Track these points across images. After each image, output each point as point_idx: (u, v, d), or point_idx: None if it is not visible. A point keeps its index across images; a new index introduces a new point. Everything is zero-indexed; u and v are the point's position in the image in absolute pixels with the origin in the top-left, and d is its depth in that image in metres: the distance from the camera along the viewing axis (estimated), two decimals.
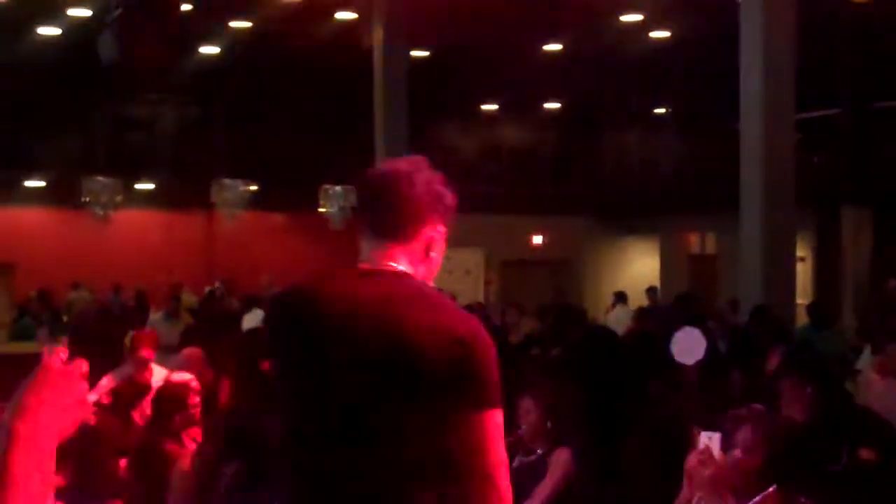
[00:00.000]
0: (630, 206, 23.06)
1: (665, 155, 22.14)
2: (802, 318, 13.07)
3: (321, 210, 20.57)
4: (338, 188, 20.10)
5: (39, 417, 1.64)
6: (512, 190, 23.61)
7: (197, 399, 5.86)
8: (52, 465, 1.67)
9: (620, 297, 17.45)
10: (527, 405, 5.41)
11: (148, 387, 6.94)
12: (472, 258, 24.66)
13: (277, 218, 23.60)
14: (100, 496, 5.03)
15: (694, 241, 24.22)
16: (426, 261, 3.06)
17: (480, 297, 21.98)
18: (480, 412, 2.74)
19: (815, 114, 18.41)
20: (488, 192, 23.28)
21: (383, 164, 3.15)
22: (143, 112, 22.54)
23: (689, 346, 6.89)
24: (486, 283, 24.87)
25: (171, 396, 5.85)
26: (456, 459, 2.75)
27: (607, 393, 5.67)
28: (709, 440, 3.93)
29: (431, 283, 3.07)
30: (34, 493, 1.59)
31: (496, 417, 2.76)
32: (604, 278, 24.94)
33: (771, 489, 4.03)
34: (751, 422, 4.11)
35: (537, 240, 25.28)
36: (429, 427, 2.75)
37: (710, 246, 23.50)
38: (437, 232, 3.08)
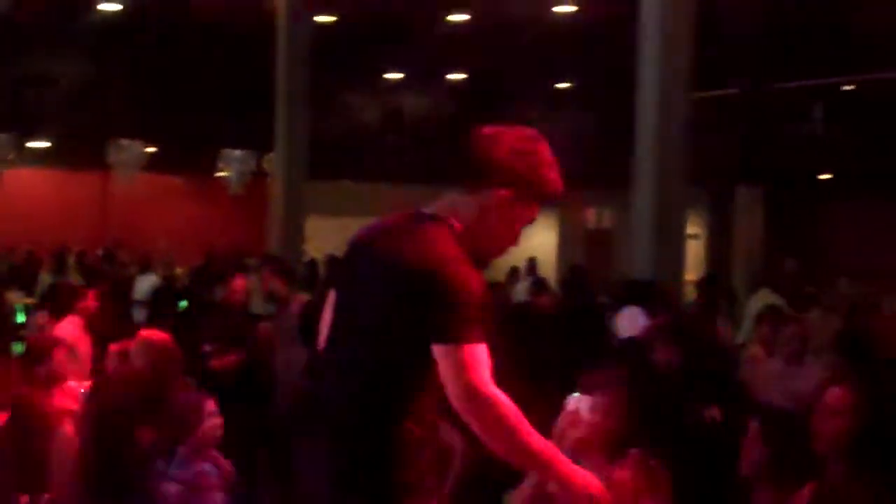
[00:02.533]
0: None
1: (565, 129, 22.31)
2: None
3: (220, 174, 20.36)
4: (237, 152, 19.92)
5: None
6: (412, 159, 23.59)
7: (62, 355, 5.79)
8: None
9: (529, 269, 17.72)
10: None
11: None
12: None
13: (175, 181, 23.28)
14: None
15: (591, 216, 24.51)
16: (486, 221, 3.18)
17: None
18: (441, 344, 2.96)
19: (711, 93, 18.71)
20: (389, 161, 23.25)
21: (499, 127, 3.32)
22: (39, 68, 22.01)
23: (630, 322, 7.20)
24: None
25: (31, 349, 5.86)
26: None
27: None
28: (578, 402, 3.98)
29: (496, 245, 3.26)
30: None
31: (449, 351, 2.97)
32: None
33: (633, 451, 4.11)
34: (607, 385, 4.16)
35: None
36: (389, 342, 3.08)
37: (607, 221, 23.82)
38: (501, 197, 3.16)
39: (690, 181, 9.98)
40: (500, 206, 3.18)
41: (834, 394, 3.76)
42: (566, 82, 24.26)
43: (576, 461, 3.90)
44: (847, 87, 20.52)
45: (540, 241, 24.39)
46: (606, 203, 22.85)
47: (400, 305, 3.03)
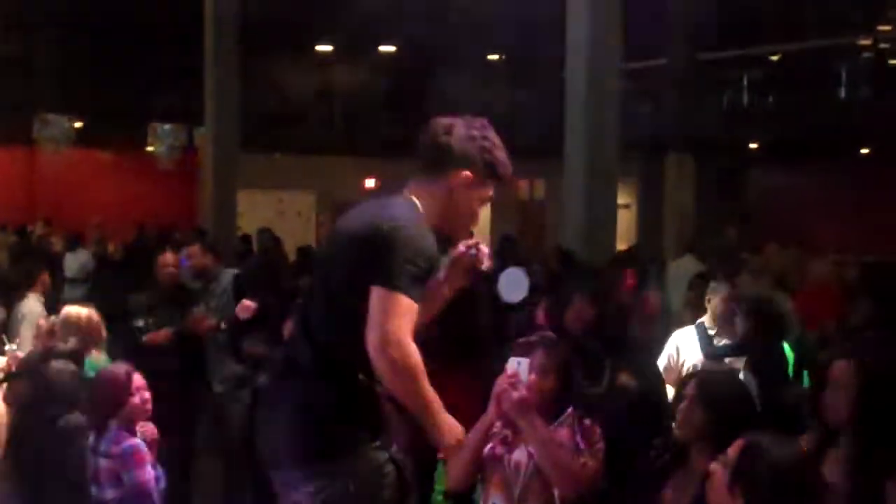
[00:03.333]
0: None
1: (497, 100, 22.35)
2: None
3: (150, 148, 20.15)
4: (166, 126, 19.72)
5: None
6: (344, 132, 23.51)
7: None
8: None
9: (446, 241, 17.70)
10: None
11: None
12: (304, 200, 24.55)
13: (104, 156, 22.98)
14: None
15: (524, 187, 24.61)
16: (450, 201, 3.48)
17: (312, 239, 21.91)
18: (377, 286, 3.24)
19: (642, 64, 18.84)
20: (321, 133, 23.14)
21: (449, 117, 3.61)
22: None
23: (512, 285, 7.16)
24: (319, 225, 24.80)
25: None
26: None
27: None
28: (517, 365, 4.07)
29: (460, 222, 3.57)
30: None
31: (380, 293, 3.24)
32: None
33: (570, 410, 4.22)
34: (542, 347, 4.27)
35: (370, 183, 25.29)
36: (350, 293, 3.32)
37: (539, 192, 23.93)
38: (461, 178, 3.46)
39: (621, 151, 10.06)
40: (459, 187, 3.48)
41: (839, 367, 3.86)
42: (498, 54, 24.28)
43: (517, 421, 4.06)
44: (774, 57, 20.78)
45: None
46: (539, 174, 22.94)
47: (357, 262, 3.31)
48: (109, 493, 4.91)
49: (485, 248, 3.67)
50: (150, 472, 4.94)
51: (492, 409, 4.15)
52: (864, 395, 3.71)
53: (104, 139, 21.56)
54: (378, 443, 3.30)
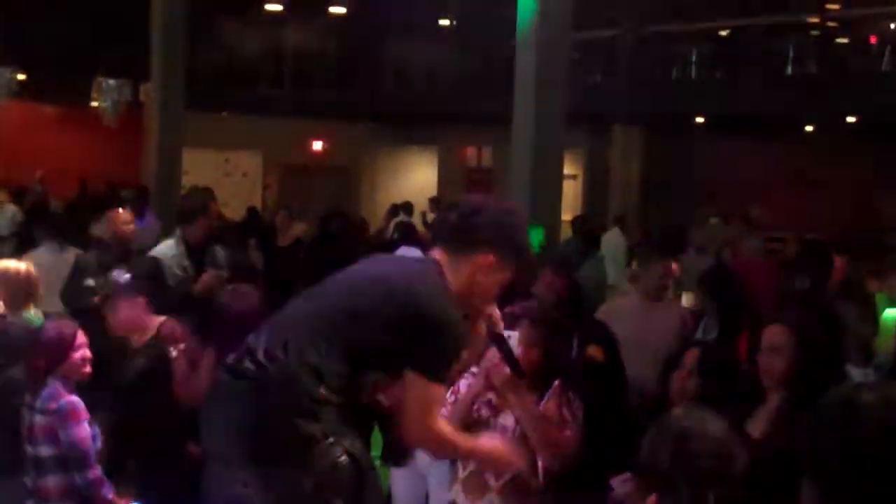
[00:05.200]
0: (411, 116, 23.16)
1: (447, 67, 22.30)
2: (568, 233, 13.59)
3: (94, 104, 19.88)
4: (112, 82, 19.45)
5: None
6: (293, 93, 23.34)
7: None
8: None
9: (406, 208, 17.64)
10: None
11: None
12: (251, 160, 24.39)
13: (47, 110, 22.65)
14: None
15: (471, 154, 24.60)
16: (471, 282, 3.50)
17: (257, 201, 21.80)
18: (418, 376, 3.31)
19: (592, 34, 18.86)
20: (269, 94, 22.96)
21: (480, 195, 3.79)
22: None
23: None
24: (265, 186, 24.67)
25: None
26: None
27: None
28: (507, 338, 4.08)
29: (477, 301, 3.56)
30: None
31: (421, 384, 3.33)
32: (382, 187, 25.11)
33: (557, 382, 4.27)
34: (527, 318, 4.30)
35: (317, 145, 25.18)
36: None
37: (487, 159, 23.93)
38: (486, 262, 3.49)
39: (569, 121, 10.07)
40: (482, 270, 3.51)
41: (773, 332, 3.96)
42: (448, 19, 24.18)
43: (507, 396, 4.18)
44: (723, 32, 20.90)
45: (421, 179, 24.47)
46: (486, 141, 22.95)
47: (394, 331, 3.27)
48: (45, 451, 4.87)
49: (497, 313, 3.74)
50: (86, 430, 4.90)
51: (480, 382, 4.24)
52: (799, 358, 3.86)
53: (48, 93, 21.24)
54: (332, 439, 3.22)
